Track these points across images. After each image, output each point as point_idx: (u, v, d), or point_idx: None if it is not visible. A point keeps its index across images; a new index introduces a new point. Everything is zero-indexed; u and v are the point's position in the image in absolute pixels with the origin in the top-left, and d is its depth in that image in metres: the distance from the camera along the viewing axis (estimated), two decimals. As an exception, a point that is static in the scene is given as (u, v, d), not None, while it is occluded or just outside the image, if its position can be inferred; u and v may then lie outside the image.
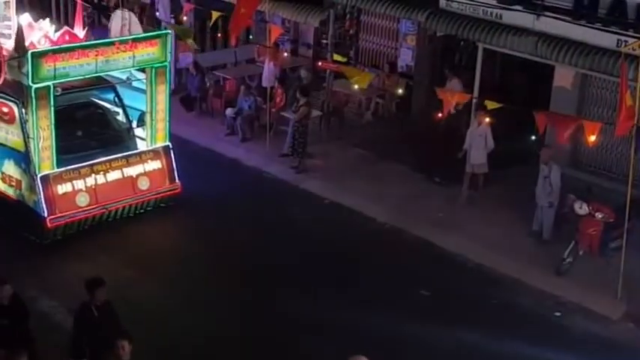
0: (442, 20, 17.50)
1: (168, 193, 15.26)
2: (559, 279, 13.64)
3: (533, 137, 14.83)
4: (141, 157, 15.00)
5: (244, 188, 16.46)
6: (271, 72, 19.53)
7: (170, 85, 15.31)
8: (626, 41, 14.39)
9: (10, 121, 13.66)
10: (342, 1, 19.03)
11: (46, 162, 13.72)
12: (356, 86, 17.98)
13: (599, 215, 13.55)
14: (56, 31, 15.01)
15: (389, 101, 19.88)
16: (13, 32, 14.98)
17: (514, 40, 16.31)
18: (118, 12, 15.87)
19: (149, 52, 14.47)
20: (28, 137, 13.46)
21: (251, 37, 21.77)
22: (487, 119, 15.43)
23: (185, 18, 20.89)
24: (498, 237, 14.78)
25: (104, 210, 14.46)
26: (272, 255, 14.10)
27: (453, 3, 17.32)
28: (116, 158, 14.66)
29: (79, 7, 16.64)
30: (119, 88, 15.43)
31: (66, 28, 15.51)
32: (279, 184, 16.81)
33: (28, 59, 12.96)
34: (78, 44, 13.95)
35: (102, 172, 14.46)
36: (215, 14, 19.81)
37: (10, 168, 14.11)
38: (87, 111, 15.32)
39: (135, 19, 15.66)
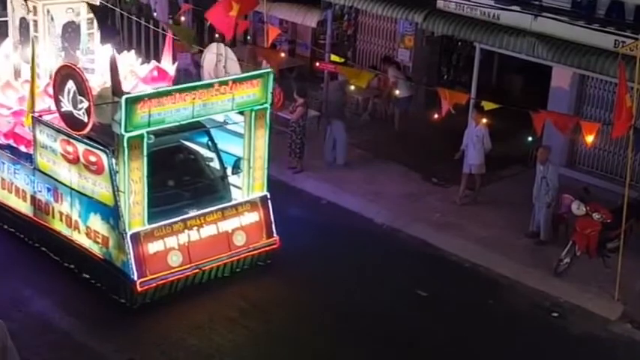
0: (440, 20, 17.50)
1: (266, 249, 13.48)
2: (556, 279, 13.63)
3: (530, 138, 14.81)
4: (237, 209, 13.22)
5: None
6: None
7: (271, 129, 13.51)
8: (623, 42, 14.40)
9: (98, 171, 12.16)
10: (340, 1, 19.02)
11: (136, 218, 12.11)
12: (352, 87, 17.97)
13: (596, 216, 13.55)
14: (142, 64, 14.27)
15: (386, 102, 19.89)
16: (97, 66, 14.04)
17: (511, 40, 16.30)
18: (213, 46, 14.35)
19: (249, 93, 12.82)
20: (117, 191, 11.93)
21: (249, 38, 21.75)
22: (484, 119, 15.43)
23: (183, 18, 20.87)
24: (495, 237, 14.77)
25: (198, 270, 12.75)
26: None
27: (451, 3, 17.32)
28: (211, 211, 12.93)
29: (168, 39, 15.17)
30: (212, 131, 13.73)
31: (154, 63, 14.53)
32: (275, 184, 16.78)
33: (122, 106, 11.50)
34: (175, 87, 12.39)
35: (196, 228, 12.73)
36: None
37: (96, 223, 12.52)
38: (178, 156, 13.50)
39: (231, 54, 13.96)
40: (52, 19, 13.86)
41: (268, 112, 13.18)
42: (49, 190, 13.16)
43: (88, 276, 12.85)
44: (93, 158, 12.17)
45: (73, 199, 12.76)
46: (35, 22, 13.89)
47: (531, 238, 14.77)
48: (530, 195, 14.71)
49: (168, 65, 14.61)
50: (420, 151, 17.80)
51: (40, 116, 12.97)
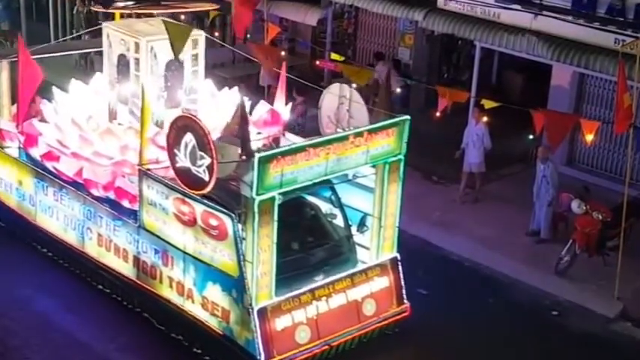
0: (440, 19, 17.51)
1: (397, 317, 11.94)
2: (556, 278, 13.64)
3: (531, 136, 14.83)
4: (367, 274, 11.67)
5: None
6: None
7: (404, 182, 11.86)
8: (624, 40, 14.42)
9: (220, 237, 10.63)
10: (340, 0, 19.03)
11: (264, 291, 10.65)
12: (354, 85, 17.95)
13: (596, 214, 13.56)
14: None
15: (385, 100, 19.83)
16: (201, 107, 12.82)
17: (512, 39, 16.31)
18: (335, 87, 12.77)
19: (384, 144, 11.31)
20: (244, 260, 10.46)
21: (249, 36, 21.74)
22: (484, 118, 15.44)
23: (183, 17, 20.85)
24: (496, 236, 14.78)
25: (327, 346, 11.27)
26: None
27: (451, 2, 17.34)
28: (340, 278, 11.39)
29: (282, 77, 13.38)
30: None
31: (268, 106, 13.20)
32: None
33: (254, 166, 10.05)
34: (309, 142, 10.70)
35: (324, 298, 11.20)
36: (213, 13, 19.73)
37: (215, 294, 10.99)
38: (299, 214, 11.73)
39: (357, 96, 12.46)
40: (155, 56, 12.34)
41: (402, 163, 11.67)
42: (156, 252, 11.60)
43: (199, 351, 11.44)
44: (214, 222, 10.62)
45: (186, 265, 11.23)
46: (137, 60, 12.36)
47: (531, 237, 14.78)
48: (530, 194, 14.72)
49: (282, 107, 13.24)
50: (420, 150, 17.75)
51: (149, 170, 11.43)
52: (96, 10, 14.32)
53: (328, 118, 12.73)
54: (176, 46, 11.73)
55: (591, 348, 12.24)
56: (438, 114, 14.20)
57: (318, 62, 18.61)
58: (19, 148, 13.53)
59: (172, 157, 10.73)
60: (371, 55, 21.04)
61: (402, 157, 11.58)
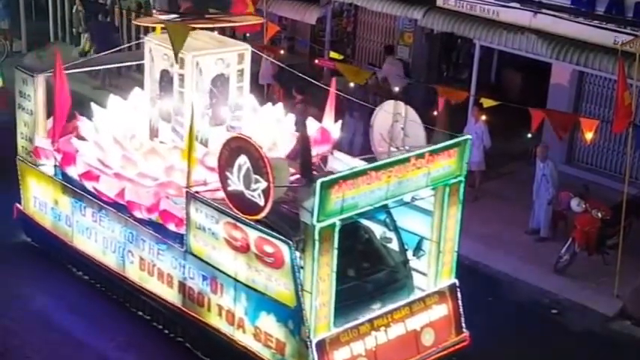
0: (439, 17, 17.51)
1: (456, 347, 11.37)
2: (556, 276, 13.65)
3: (530, 135, 14.83)
4: (425, 302, 11.09)
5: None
6: (268, 69, 19.52)
7: (463, 205, 11.35)
8: (623, 39, 14.41)
9: (276, 265, 10.07)
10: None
11: (322, 322, 10.04)
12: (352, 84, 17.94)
13: (596, 212, 13.56)
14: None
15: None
16: (245, 124, 12.25)
17: (511, 37, 16.31)
18: (389, 104, 12.16)
19: (444, 165, 10.73)
20: (302, 290, 9.87)
21: (247, 34, 21.74)
22: (483, 117, 15.43)
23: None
24: (495, 234, 14.78)
25: None
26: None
27: (450, 0, 17.33)
28: (398, 307, 10.80)
29: (332, 93, 12.86)
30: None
31: (318, 124, 12.56)
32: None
33: (316, 191, 9.42)
34: (370, 165, 10.08)
35: (383, 328, 10.59)
36: (212, 12, 19.69)
37: (269, 324, 10.42)
38: (353, 238, 10.94)
39: (412, 114, 11.87)
40: (200, 72, 11.76)
41: (463, 185, 11.13)
42: (204, 278, 11.03)
43: None
44: (269, 249, 10.07)
45: (237, 293, 10.68)
46: (181, 75, 11.71)
47: (531, 235, 14.78)
48: (529, 192, 14.72)
49: (331, 124, 12.75)
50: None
51: (198, 192, 10.89)
52: (138, 23, 13.48)
53: (381, 136, 12.20)
54: (176, 46, 11.37)
55: (590, 346, 12.24)
56: (436, 113, 14.19)
57: (317, 61, 18.60)
58: (55, 166, 12.91)
59: (224, 179, 10.15)
60: (370, 53, 21.05)
61: (462, 178, 11.00)
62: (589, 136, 12.93)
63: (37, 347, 11.43)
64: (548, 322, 12.73)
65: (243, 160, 9.87)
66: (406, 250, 11.29)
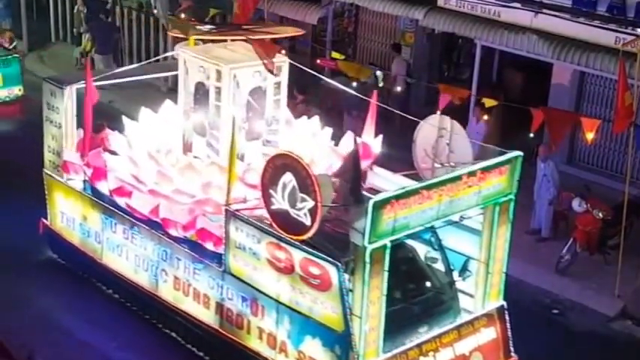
0: (440, 18, 17.51)
1: None
2: (557, 276, 13.66)
3: (531, 134, 14.83)
4: (473, 325, 10.66)
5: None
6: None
7: (513, 224, 10.87)
8: (624, 39, 14.41)
9: (322, 287, 9.67)
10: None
11: (371, 347, 9.67)
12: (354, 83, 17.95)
13: (597, 212, 13.57)
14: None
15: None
16: (281, 138, 11.96)
17: (512, 37, 16.31)
18: (433, 118, 11.76)
19: (495, 183, 10.31)
20: (351, 314, 9.50)
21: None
22: (485, 117, 15.44)
23: (183, 15, 20.85)
24: (496, 234, 14.77)
25: None
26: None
27: (451, 0, 17.33)
28: (447, 331, 10.41)
29: (372, 106, 12.32)
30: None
31: (358, 138, 12.00)
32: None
33: (368, 211, 9.06)
34: (422, 184, 9.72)
35: (431, 353, 10.22)
36: (212, 11, 19.74)
37: (315, 349, 10.01)
38: (397, 258, 10.18)
39: (459, 129, 11.52)
40: (237, 85, 11.45)
41: (513, 204, 10.69)
42: (244, 299, 10.66)
43: None
44: (315, 270, 9.67)
45: (280, 316, 10.28)
46: (218, 88, 11.38)
47: (532, 235, 14.79)
48: (531, 192, 14.72)
49: (371, 139, 12.34)
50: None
51: (238, 210, 10.48)
52: (173, 35, 13.00)
53: (424, 152, 11.77)
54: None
55: (591, 346, 12.25)
56: (438, 112, 14.20)
57: (318, 61, 18.59)
58: (84, 180, 12.52)
59: (267, 198, 9.79)
60: (371, 53, 21.05)
61: (512, 197, 10.59)
62: (590, 136, 12.94)
63: (39, 347, 11.36)
64: (549, 321, 12.73)
65: (288, 178, 9.52)
66: (452, 270, 10.82)
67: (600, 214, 13.54)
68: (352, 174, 9.57)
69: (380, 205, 9.10)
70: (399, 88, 18.85)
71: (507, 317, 10.96)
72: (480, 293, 10.82)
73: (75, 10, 23.17)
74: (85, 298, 12.61)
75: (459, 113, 15.30)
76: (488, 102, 14.23)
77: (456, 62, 21.03)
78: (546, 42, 15.82)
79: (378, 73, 18.72)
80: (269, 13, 20.34)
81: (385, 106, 12.85)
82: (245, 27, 12.81)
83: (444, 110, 14.20)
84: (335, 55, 18.13)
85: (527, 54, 16.47)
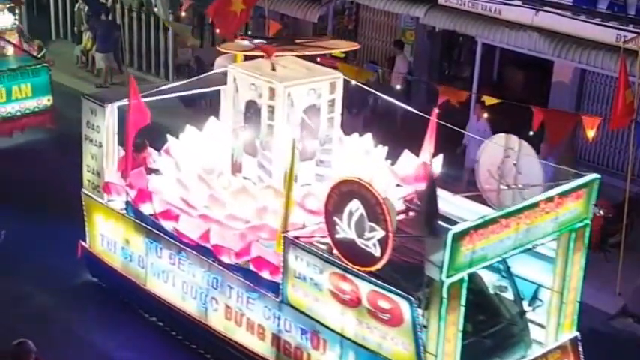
0: (441, 15, 17.51)
1: None
2: (558, 274, 13.63)
3: (531, 133, 14.82)
4: (547, 358, 10.14)
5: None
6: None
7: (588, 251, 10.40)
8: (625, 36, 14.41)
9: (393, 322, 9.10)
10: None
11: None
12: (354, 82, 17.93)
13: (598, 210, 13.53)
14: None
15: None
16: (335, 160, 11.46)
17: (513, 35, 16.30)
18: (500, 137, 11.19)
19: (571, 208, 9.76)
20: (425, 351, 8.91)
21: (249, 33, 21.74)
22: (486, 114, 15.43)
23: (184, 14, 20.83)
24: (497, 232, 14.75)
25: None
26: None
27: (452, -2, 17.35)
28: None
29: (432, 124, 11.60)
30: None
31: (415, 157, 11.57)
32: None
33: (446, 243, 8.47)
34: (500, 213, 9.11)
35: None
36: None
37: None
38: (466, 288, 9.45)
39: (528, 149, 10.90)
40: (291, 103, 10.94)
41: (588, 230, 10.19)
42: (303, 332, 10.07)
43: None
44: (385, 304, 9.10)
45: (344, 351, 9.69)
46: (271, 107, 10.87)
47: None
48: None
49: (428, 158, 11.64)
50: (420, 146, 17.72)
51: (297, 238, 9.92)
52: (222, 50, 12.48)
53: (489, 173, 11.16)
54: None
55: (592, 344, 12.18)
56: (437, 110, 14.20)
57: (318, 59, 18.57)
58: (127, 202, 11.91)
59: (331, 226, 9.22)
60: (372, 51, 21.04)
61: (588, 222, 10.07)
62: (591, 134, 12.94)
63: (38, 346, 11.39)
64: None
65: (355, 206, 8.95)
66: (522, 299, 10.23)
67: (601, 212, 13.52)
68: (428, 203, 8.81)
69: (459, 237, 8.54)
70: (399, 86, 18.85)
71: (581, 349, 10.47)
72: (553, 324, 10.19)
73: (76, 9, 23.17)
74: (85, 298, 12.64)
75: (459, 111, 15.35)
76: (489, 100, 14.22)
77: (457, 60, 21.01)
78: (547, 40, 15.81)
79: (379, 70, 18.79)
80: (269, 11, 20.35)
81: (391, 99, 12.73)
82: (298, 41, 12.44)
83: (444, 108, 14.29)
84: (336, 53, 18.14)
85: (527, 52, 16.47)
